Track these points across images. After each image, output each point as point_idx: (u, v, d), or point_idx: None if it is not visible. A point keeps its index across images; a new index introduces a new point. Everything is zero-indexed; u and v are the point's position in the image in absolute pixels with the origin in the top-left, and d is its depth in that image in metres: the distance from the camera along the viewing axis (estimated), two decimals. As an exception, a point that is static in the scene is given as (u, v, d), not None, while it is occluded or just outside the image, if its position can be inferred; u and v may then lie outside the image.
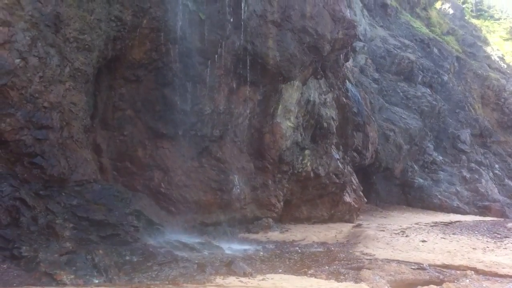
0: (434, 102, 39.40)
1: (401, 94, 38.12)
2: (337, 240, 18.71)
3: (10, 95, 12.23)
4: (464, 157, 40.27)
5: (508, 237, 20.05)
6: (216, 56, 18.39)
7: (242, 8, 18.57)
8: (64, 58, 13.58)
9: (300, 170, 21.95)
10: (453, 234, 20.53)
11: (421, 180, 35.48)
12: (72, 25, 13.91)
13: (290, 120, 21.46)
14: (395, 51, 40.23)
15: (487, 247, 17.39)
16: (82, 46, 14.18)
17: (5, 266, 10.49)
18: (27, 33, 12.72)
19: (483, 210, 34.92)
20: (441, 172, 37.07)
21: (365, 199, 27.02)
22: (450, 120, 41.80)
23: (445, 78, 43.80)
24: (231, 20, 18.44)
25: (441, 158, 38.57)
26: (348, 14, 24.06)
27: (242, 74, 19.39)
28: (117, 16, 15.47)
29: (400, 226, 22.80)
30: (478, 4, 70.66)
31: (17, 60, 12.39)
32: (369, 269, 13.04)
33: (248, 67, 19.33)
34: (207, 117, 18.65)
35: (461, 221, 27.07)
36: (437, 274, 13.23)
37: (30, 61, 12.62)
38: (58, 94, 13.22)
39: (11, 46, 12.35)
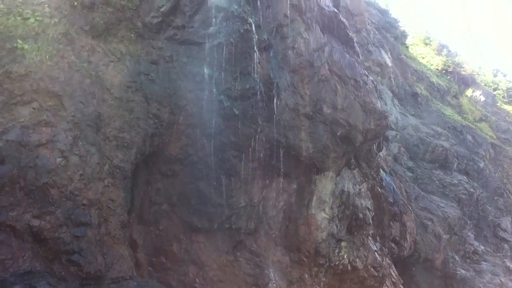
0: (471, 190, 38.64)
1: (437, 182, 37.58)
2: (379, 338, 17.86)
3: (50, 193, 12.59)
4: (506, 246, 38.87)
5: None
6: (250, 149, 18.65)
7: (275, 102, 19.03)
8: (104, 155, 14.04)
9: (337, 263, 21.38)
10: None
11: (463, 271, 34.02)
12: (112, 124, 14.50)
13: (325, 211, 21.23)
14: (428, 139, 40.14)
15: None
16: (121, 144, 14.68)
17: None
18: (69, 132, 13.30)
19: (530, 302, 33.14)
20: (484, 262, 35.60)
21: (405, 293, 25.99)
22: (489, 208, 40.73)
23: (481, 165, 43.22)
24: (264, 114, 18.86)
25: (482, 247, 37.20)
26: (379, 105, 24.34)
27: (276, 166, 19.52)
28: (155, 114, 16.05)
29: (445, 321, 21.69)
30: (510, 90, 70.78)
31: (59, 159, 12.88)
32: None
33: (281, 159, 19.47)
34: (242, 210, 18.62)
35: (508, 315, 25.63)
36: None
37: (71, 160, 13.08)
38: (97, 191, 13.55)
39: (53, 145, 12.89)
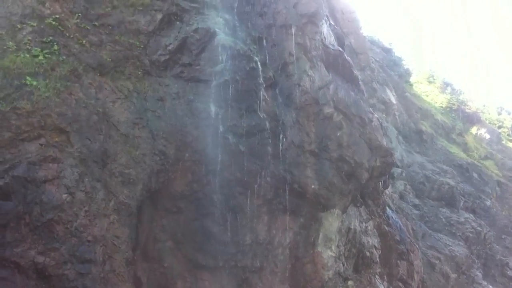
0: (478, 228, 38.22)
1: (443, 220, 37.21)
2: None
3: (56, 229, 12.53)
4: (514, 285, 38.23)
5: None
6: (256, 186, 18.59)
7: (281, 139, 19.07)
8: (110, 192, 14.01)
9: (343, 302, 21.05)
10: None
11: (472, 312, 33.44)
12: (118, 160, 14.53)
13: (331, 249, 20.99)
14: (434, 177, 39.97)
15: None
16: (127, 180, 14.66)
17: None
18: (75, 169, 13.32)
19: None
20: (493, 302, 35.00)
21: (414, 333, 25.43)
22: (497, 247, 40.21)
23: (488, 203, 42.87)
24: (270, 151, 18.86)
25: (491, 287, 36.56)
26: (385, 142, 24.32)
27: (282, 203, 19.41)
28: (161, 150, 16.08)
29: None
30: (515, 128, 70.80)
31: (65, 195, 12.86)
32: None
33: (287, 196, 19.38)
34: (247, 248, 18.44)
35: None
36: None
37: (77, 196, 13.06)
38: (102, 228, 13.48)
39: (59, 181, 12.89)
